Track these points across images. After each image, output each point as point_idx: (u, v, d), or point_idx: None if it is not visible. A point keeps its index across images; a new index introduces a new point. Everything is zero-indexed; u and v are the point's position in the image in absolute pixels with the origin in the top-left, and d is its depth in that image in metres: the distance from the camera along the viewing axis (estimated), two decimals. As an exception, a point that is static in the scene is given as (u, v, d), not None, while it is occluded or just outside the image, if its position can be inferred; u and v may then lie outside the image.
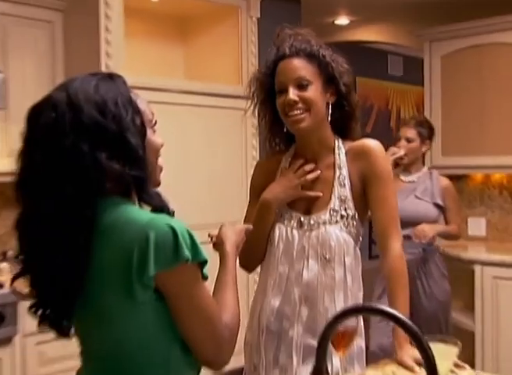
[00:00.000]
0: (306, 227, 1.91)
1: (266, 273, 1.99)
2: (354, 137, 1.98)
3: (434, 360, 1.04)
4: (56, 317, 1.36)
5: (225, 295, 1.48)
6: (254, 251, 1.99)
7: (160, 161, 1.46)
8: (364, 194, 1.92)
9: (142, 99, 1.43)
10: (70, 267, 1.28)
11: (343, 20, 5.28)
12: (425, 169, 3.63)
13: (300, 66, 1.86)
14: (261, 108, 1.99)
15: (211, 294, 1.44)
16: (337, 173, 1.91)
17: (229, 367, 1.47)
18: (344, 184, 1.90)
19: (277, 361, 1.92)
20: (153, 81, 3.43)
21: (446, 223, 3.56)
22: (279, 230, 1.94)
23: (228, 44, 3.93)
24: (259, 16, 3.94)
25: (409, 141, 3.50)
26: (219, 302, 1.44)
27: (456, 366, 1.71)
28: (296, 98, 1.84)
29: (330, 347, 1.76)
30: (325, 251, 1.87)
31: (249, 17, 3.91)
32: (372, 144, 1.93)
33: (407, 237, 3.09)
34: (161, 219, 1.30)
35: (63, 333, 1.38)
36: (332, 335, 1.15)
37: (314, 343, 1.74)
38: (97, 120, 1.28)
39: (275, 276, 1.94)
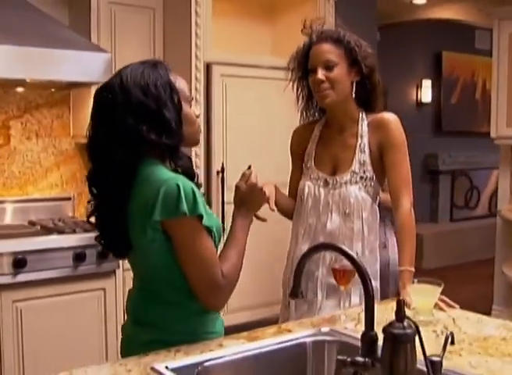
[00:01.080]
0: (330, 186, 2.24)
1: (297, 224, 2.34)
2: (376, 110, 2.26)
3: (372, 291, 1.38)
4: (112, 243, 1.73)
5: (229, 250, 1.69)
6: (287, 211, 2.38)
7: (197, 126, 1.75)
8: (382, 160, 2.22)
9: (181, 80, 1.71)
10: (118, 208, 1.63)
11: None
12: None
13: (327, 50, 2.17)
14: (298, 83, 2.34)
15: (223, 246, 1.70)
16: (359, 141, 2.22)
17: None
18: (364, 151, 2.21)
19: (305, 297, 2.26)
20: (241, 58, 3.97)
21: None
22: (308, 188, 2.29)
23: (308, 24, 4.37)
24: (336, -2, 4.37)
25: None
26: (223, 255, 1.67)
27: (447, 304, 2.02)
28: (323, 78, 2.16)
29: (352, 287, 2.12)
30: (346, 207, 2.20)
31: (327, 0, 4.35)
32: (390, 117, 2.22)
33: None
34: (174, 179, 1.58)
35: (118, 255, 1.77)
36: (303, 268, 1.48)
37: (335, 282, 2.13)
38: (141, 100, 1.59)
39: (305, 226, 2.29)
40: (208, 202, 3.82)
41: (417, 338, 1.28)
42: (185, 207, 1.54)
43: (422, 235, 6.69)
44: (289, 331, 1.81)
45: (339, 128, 2.29)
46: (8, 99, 3.81)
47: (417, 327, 1.29)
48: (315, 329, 1.81)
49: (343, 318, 1.91)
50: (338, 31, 2.23)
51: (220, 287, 1.62)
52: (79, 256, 3.35)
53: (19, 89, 3.79)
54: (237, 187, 1.80)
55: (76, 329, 3.39)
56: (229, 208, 3.72)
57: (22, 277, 3.18)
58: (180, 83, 1.70)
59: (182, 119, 1.66)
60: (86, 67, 3.44)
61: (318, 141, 2.35)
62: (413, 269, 2.14)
